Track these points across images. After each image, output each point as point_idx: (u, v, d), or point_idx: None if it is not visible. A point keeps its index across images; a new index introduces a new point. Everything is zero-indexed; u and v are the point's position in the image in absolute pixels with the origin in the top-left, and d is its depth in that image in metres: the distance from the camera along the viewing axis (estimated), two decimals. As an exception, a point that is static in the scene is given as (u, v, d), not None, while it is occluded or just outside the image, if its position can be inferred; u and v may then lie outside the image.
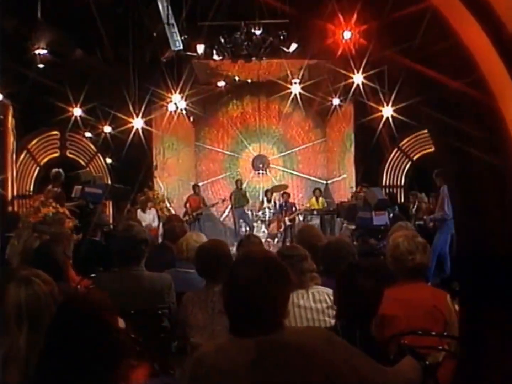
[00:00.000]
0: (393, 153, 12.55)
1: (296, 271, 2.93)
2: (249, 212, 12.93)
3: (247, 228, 12.59)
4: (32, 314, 1.94)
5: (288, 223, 11.70)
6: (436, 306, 2.65)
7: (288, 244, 11.52)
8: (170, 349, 3.09)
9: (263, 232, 12.57)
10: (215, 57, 11.35)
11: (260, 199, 14.02)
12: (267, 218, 12.71)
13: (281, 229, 11.94)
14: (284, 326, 1.66)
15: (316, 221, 12.79)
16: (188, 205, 12.28)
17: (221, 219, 15.07)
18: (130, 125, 11.54)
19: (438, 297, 2.74)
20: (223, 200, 12.73)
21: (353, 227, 10.63)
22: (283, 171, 15.37)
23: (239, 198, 12.50)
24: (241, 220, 12.52)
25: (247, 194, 12.67)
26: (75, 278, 4.05)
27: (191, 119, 14.68)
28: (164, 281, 3.17)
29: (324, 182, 15.26)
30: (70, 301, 1.79)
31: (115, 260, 3.35)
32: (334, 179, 14.84)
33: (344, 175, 13.91)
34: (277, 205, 12.56)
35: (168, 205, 12.99)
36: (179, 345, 2.91)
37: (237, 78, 14.03)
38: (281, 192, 12.43)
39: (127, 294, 3.00)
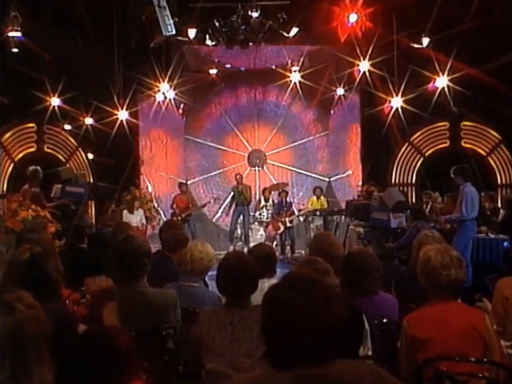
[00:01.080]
0: (403, 148, 12.57)
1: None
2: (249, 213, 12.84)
3: (243, 230, 12.54)
4: (15, 345, 1.86)
5: (288, 224, 11.67)
6: (474, 327, 2.62)
7: (306, 255, 11.70)
8: (175, 373, 3.05)
9: (261, 234, 12.53)
10: (208, 42, 11.30)
11: (257, 198, 14.02)
12: (264, 219, 12.66)
13: (280, 231, 11.91)
14: (330, 359, 1.62)
15: (318, 222, 12.81)
16: (175, 205, 12.19)
17: (214, 219, 15.05)
18: (114, 116, 11.62)
19: (475, 317, 2.71)
20: (215, 199, 12.64)
21: (361, 229, 10.68)
22: (282, 167, 15.34)
23: (240, 195, 12.44)
24: (239, 220, 12.46)
25: (244, 192, 12.57)
26: (64, 292, 3.98)
27: (181, 110, 14.63)
28: (169, 298, 3.15)
29: (327, 179, 15.26)
30: (89, 338, 1.75)
31: (114, 274, 3.29)
32: (338, 176, 14.84)
33: (349, 172, 13.90)
34: (275, 205, 12.52)
35: (156, 205, 12.97)
36: (190, 369, 2.86)
37: (230, 65, 14.00)
38: (279, 190, 12.38)
39: (128, 313, 2.90)
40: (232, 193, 12.73)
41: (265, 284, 3.71)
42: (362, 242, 10.10)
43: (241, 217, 12.44)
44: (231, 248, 12.09)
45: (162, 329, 3.06)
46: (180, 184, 12.80)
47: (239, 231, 12.63)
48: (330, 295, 1.70)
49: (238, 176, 12.68)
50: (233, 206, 12.81)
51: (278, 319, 1.65)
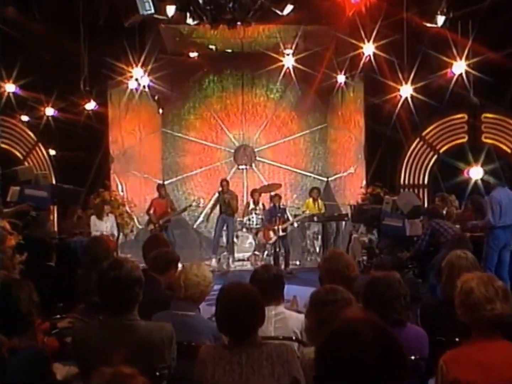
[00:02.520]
0: (414, 144, 12.59)
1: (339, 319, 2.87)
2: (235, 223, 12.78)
3: (228, 238, 12.48)
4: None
5: (281, 233, 11.62)
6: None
7: (301, 266, 11.66)
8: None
9: (250, 243, 12.49)
10: (189, 21, 11.17)
11: (245, 201, 13.99)
12: (254, 226, 12.63)
13: (272, 240, 11.87)
14: None
15: (315, 229, 12.82)
16: (152, 210, 12.10)
17: (195, 226, 15.01)
18: (79, 107, 11.54)
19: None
20: (198, 203, 12.55)
21: (365, 238, 10.70)
22: (273, 165, 15.33)
23: (225, 204, 12.31)
24: (224, 228, 12.40)
25: (230, 202, 12.43)
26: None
27: (157, 99, 14.53)
28: (165, 333, 3.07)
29: (324, 179, 15.30)
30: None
31: (100, 305, 3.26)
32: (337, 176, 14.86)
33: (351, 170, 13.94)
34: (266, 209, 12.47)
35: (128, 209, 12.89)
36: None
37: (214, 47, 13.92)
38: (272, 193, 12.34)
39: (117, 351, 2.82)
40: (216, 196, 12.61)
41: (272, 312, 3.69)
42: (368, 252, 10.13)
43: (225, 226, 12.37)
44: (214, 260, 12.02)
45: (155, 369, 2.98)
46: (159, 187, 12.68)
47: (224, 239, 12.56)
48: (395, 347, 1.71)
49: (224, 183, 12.51)
50: (216, 212, 12.71)
51: (335, 374, 1.70)
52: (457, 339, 3.38)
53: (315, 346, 2.98)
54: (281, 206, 11.92)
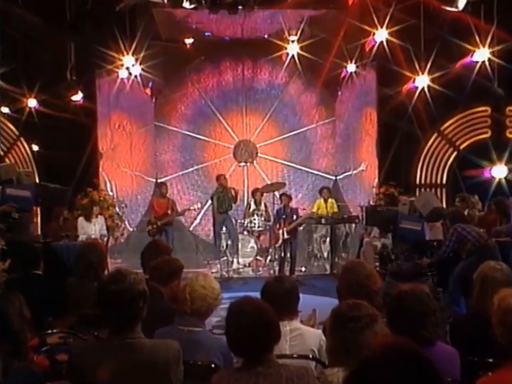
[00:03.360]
0: (431, 140, 12.56)
1: (365, 338, 2.85)
2: (232, 220, 12.76)
3: (228, 242, 12.42)
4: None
5: (285, 236, 11.56)
6: None
7: (304, 274, 11.62)
8: None
9: (252, 247, 12.46)
10: (186, 5, 11.09)
11: (246, 202, 13.97)
12: (256, 228, 12.59)
13: (278, 244, 11.81)
14: None
15: (322, 232, 12.77)
16: (153, 211, 12.19)
17: (191, 228, 15.00)
18: (65, 98, 11.32)
19: None
20: (200, 206, 12.57)
21: (378, 242, 10.64)
22: (276, 162, 15.32)
23: (223, 200, 12.29)
24: (223, 229, 12.34)
25: (233, 192, 12.47)
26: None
27: (149, 90, 14.54)
28: (171, 352, 3.02)
29: (332, 177, 15.28)
30: None
31: (94, 318, 3.38)
32: (346, 174, 14.84)
33: (361, 168, 13.91)
34: (272, 211, 12.42)
35: (118, 210, 12.91)
36: None
37: (212, 33, 13.88)
38: (279, 193, 12.27)
39: (119, 373, 2.85)
40: (214, 198, 12.51)
41: (286, 328, 3.63)
42: (381, 258, 10.07)
43: (224, 227, 12.30)
44: (218, 266, 11.91)
45: (160, 392, 2.95)
46: (161, 185, 12.76)
47: (223, 242, 12.49)
48: (432, 375, 1.72)
49: (222, 177, 12.55)
50: (212, 214, 12.67)
51: None
52: (491, 360, 3.34)
53: (338, 367, 2.97)
54: (291, 208, 11.85)
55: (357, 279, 3.81)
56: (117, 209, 12.83)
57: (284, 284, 3.89)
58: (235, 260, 12.29)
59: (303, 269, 12.31)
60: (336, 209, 12.87)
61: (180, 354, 3.06)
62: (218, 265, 12.04)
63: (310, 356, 3.65)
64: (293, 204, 13.16)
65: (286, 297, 3.80)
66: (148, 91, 14.55)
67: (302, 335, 3.75)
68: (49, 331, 4.22)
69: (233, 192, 12.44)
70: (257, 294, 10.36)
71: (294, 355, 3.61)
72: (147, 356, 2.93)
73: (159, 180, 14.38)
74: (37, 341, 4.08)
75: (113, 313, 2.95)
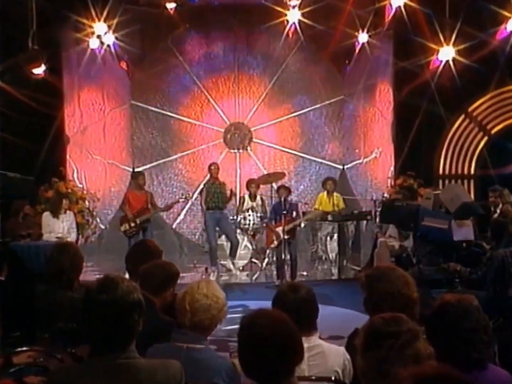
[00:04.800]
0: (457, 123, 12.57)
1: (405, 358, 2.77)
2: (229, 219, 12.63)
3: (229, 245, 12.28)
4: None
5: (285, 235, 11.46)
6: None
7: (305, 278, 11.56)
8: None
9: (245, 247, 12.46)
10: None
11: (238, 195, 13.91)
12: (251, 226, 12.55)
13: (274, 245, 11.72)
14: None
15: (327, 230, 12.73)
16: (127, 206, 11.92)
17: (174, 225, 14.95)
18: (26, 71, 11.28)
19: None
20: (186, 197, 12.36)
21: (395, 243, 10.59)
22: (274, 149, 15.29)
23: (216, 194, 12.13)
24: (217, 229, 12.19)
25: (226, 187, 12.33)
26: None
27: (125, 63, 14.44)
28: (172, 373, 3.01)
29: (340, 166, 15.26)
30: None
31: (68, 333, 3.46)
32: (356, 163, 14.81)
33: (375, 155, 13.90)
34: (270, 206, 12.32)
35: (88, 204, 12.86)
36: None
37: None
38: (277, 185, 12.16)
39: None
40: (202, 190, 12.33)
41: (304, 345, 3.54)
42: (399, 261, 10.04)
43: (218, 228, 12.16)
44: (215, 274, 11.81)
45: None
46: (138, 175, 12.47)
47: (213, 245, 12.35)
48: None
49: (213, 167, 12.30)
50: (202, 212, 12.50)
51: None
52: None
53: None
54: (291, 202, 11.73)
55: (393, 288, 3.77)
56: (87, 203, 12.75)
57: (299, 293, 3.88)
58: (228, 264, 12.21)
59: (305, 273, 12.26)
60: (342, 205, 12.82)
61: (182, 376, 3.03)
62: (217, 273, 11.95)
63: (333, 378, 3.63)
64: (293, 198, 13.12)
65: (302, 308, 3.78)
66: (123, 64, 14.46)
67: (323, 353, 3.74)
68: (16, 349, 4.12)
69: (227, 190, 12.24)
70: (254, 303, 10.25)
71: (313, 377, 3.59)
72: (144, 380, 2.90)
73: (136, 169, 14.28)
74: (2, 360, 4.01)
75: (102, 328, 2.88)
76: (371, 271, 4.16)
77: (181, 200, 12.50)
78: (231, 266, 12.11)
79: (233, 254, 12.11)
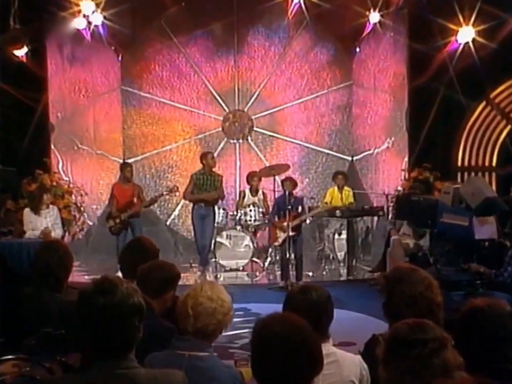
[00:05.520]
0: (477, 111, 12.52)
1: (432, 369, 2.79)
2: (221, 212, 12.61)
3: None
4: None
5: (290, 232, 11.44)
6: None
7: (309, 280, 11.59)
8: None
9: (246, 246, 12.42)
10: None
11: (238, 189, 13.93)
12: (252, 223, 12.58)
13: (278, 243, 11.71)
14: None
15: (336, 226, 12.73)
16: (113, 201, 11.95)
17: (168, 222, 14.94)
18: (6, 52, 11.42)
19: None
20: (172, 190, 12.31)
21: (409, 241, 10.56)
22: (277, 139, 15.26)
23: (206, 188, 12.08)
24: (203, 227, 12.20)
25: (219, 180, 12.29)
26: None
27: (114, 44, 14.42)
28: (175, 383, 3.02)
29: (348, 158, 15.27)
30: None
31: (57, 339, 3.50)
32: (366, 153, 14.82)
33: (387, 145, 13.88)
34: (271, 200, 12.30)
35: (74, 199, 12.86)
36: None
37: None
38: (280, 177, 12.14)
39: None
40: (192, 182, 12.24)
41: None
42: (414, 260, 10.02)
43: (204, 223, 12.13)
44: (197, 275, 11.83)
45: None
46: (124, 167, 12.48)
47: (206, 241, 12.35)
48: None
49: (209, 156, 12.25)
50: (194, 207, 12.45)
51: None
52: None
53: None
54: (296, 197, 11.69)
55: (415, 291, 3.77)
56: (73, 197, 12.76)
57: (311, 296, 3.87)
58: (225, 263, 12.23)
59: (310, 273, 12.26)
60: (351, 200, 12.87)
61: None
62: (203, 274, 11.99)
63: (350, 389, 3.65)
64: (297, 191, 13.08)
65: (315, 312, 3.76)
66: (112, 46, 14.44)
67: (337, 362, 3.73)
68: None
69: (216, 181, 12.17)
70: (256, 306, 10.24)
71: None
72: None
73: (126, 161, 14.25)
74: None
75: (100, 335, 2.87)
76: (390, 272, 4.15)
77: (165, 193, 12.46)
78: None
79: (203, 259, 12.12)
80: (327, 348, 3.72)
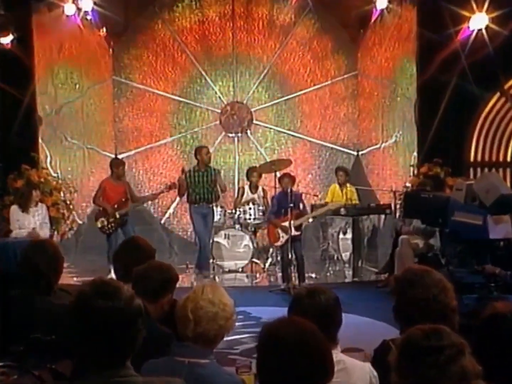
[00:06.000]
0: (491, 102, 12.48)
1: (449, 377, 2.76)
2: (219, 210, 12.58)
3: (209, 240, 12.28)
4: None
5: (294, 232, 11.43)
6: None
7: (314, 283, 11.59)
8: None
9: (245, 246, 12.45)
10: None
11: (236, 185, 13.99)
12: (251, 221, 12.59)
13: (279, 243, 11.69)
14: None
15: (340, 225, 12.72)
16: (102, 198, 11.90)
17: (163, 220, 14.96)
18: None
19: None
20: (170, 187, 12.30)
21: (419, 241, 10.56)
22: (278, 132, 15.27)
23: (201, 184, 12.04)
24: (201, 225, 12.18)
25: (220, 175, 12.22)
26: None
27: (104, 31, 14.38)
28: None
29: (353, 152, 15.28)
30: None
31: (47, 345, 3.53)
32: (372, 148, 14.82)
33: (395, 139, 13.88)
34: (274, 196, 12.30)
35: (63, 196, 12.82)
36: None
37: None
38: (279, 173, 12.11)
39: None
40: (189, 178, 12.17)
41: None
42: (423, 261, 10.02)
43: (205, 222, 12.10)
44: (195, 278, 11.84)
45: None
46: (116, 162, 12.47)
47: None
48: None
49: (204, 151, 12.08)
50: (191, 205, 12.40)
51: None
52: None
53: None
54: (295, 193, 11.65)
55: (429, 295, 3.76)
56: (62, 194, 12.73)
57: (319, 299, 3.88)
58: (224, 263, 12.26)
59: (313, 275, 12.24)
60: (356, 200, 12.87)
61: None
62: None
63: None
64: (300, 188, 13.10)
65: (323, 317, 3.74)
66: (103, 34, 14.41)
67: (346, 370, 3.72)
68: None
69: (220, 184, 12.14)
70: (256, 310, 10.24)
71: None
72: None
73: (119, 156, 14.30)
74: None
75: (99, 341, 2.84)
76: (402, 274, 4.13)
77: (165, 190, 12.44)
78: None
79: (203, 262, 12.00)
80: (336, 355, 3.64)
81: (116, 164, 12.27)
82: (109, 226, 11.57)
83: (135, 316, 2.89)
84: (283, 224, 11.30)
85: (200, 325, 3.61)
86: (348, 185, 12.90)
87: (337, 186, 12.92)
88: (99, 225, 11.65)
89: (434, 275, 3.96)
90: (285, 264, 11.44)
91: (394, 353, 2.99)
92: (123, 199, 11.80)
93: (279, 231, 11.50)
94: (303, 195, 12.09)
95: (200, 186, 11.92)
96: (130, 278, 4.41)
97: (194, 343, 3.62)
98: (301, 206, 11.54)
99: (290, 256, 11.32)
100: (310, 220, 12.62)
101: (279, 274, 11.82)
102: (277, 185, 11.93)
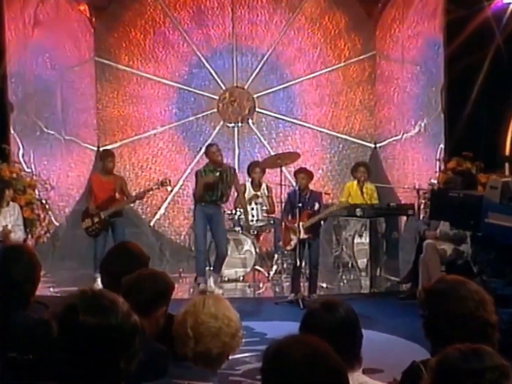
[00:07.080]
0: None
1: None
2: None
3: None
4: None
5: (303, 235, 11.45)
6: None
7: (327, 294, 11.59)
8: None
9: (247, 251, 12.50)
10: None
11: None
12: (254, 224, 12.64)
13: (290, 247, 11.70)
14: None
15: (355, 228, 12.80)
16: (91, 195, 12.01)
17: (152, 222, 15.04)
18: None
19: None
20: (163, 183, 12.33)
21: (447, 246, 10.57)
22: (284, 121, 15.32)
23: (217, 185, 11.98)
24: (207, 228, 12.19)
25: (232, 174, 12.14)
26: None
27: (86, 6, 14.57)
28: None
29: (371, 145, 15.35)
30: None
31: (23, 364, 3.62)
32: (391, 139, 14.87)
33: (417, 130, 13.91)
34: (277, 196, 12.31)
35: (37, 194, 12.84)
36: None
37: None
38: (287, 168, 12.12)
39: None
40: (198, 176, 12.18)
41: None
42: (452, 269, 10.06)
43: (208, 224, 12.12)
44: (200, 286, 11.80)
45: None
46: (105, 155, 12.49)
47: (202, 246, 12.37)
48: None
49: (212, 149, 11.97)
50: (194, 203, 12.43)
51: None
52: None
53: None
54: (312, 191, 11.68)
55: (465, 309, 3.72)
56: (37, 192, 12.76)
57: (339, 314, 3.86)
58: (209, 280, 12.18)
59: (325, 285, 12.29)
60: (376, 200, 12.93)
61: None
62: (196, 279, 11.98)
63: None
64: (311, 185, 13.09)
65: (342, 334, 3.76)
66: (83, 8, 14.52)
67: None
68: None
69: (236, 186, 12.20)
70: (260, 325, 10.33)
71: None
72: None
73: (102, 148, 14.31)
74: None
75: (88, 364, 2.81)
76: (433, 285, 4.11)
77: (154, 187, 12.49)
78: (211, 284, 11.89)
79: (217, 267, 12.03)
80: (357, 377, 3.73)
81: (105, 156, 12.33)
82: (94, 227, 11.65)
83: (132, 335, 2.88)
84: (293, 225, 11.33)
85: (202, 342, 3.60)
86: (368, 185, 13.00)
87: (355, 183, 12.97)
88: (84, 226, 11.76)
89: (471, 286, 3.93)
90: (296, 271, 11.46)
91: (427, 377, 3.00)
92: (111, 197, 11.87)
93: (290, 233, 11.53)
94: (322, 195, 12.11)
95: (215, 187, 11.88)
96: (119, 289, 4.40)
97: (195, 364, 3.61)
98: (316, 206, 11.53)
99: (299, 263, 11.35)
100: (322, 222, 12.65)
101: (286, 284, 11.93)
102: (286, 182, 12.01)
